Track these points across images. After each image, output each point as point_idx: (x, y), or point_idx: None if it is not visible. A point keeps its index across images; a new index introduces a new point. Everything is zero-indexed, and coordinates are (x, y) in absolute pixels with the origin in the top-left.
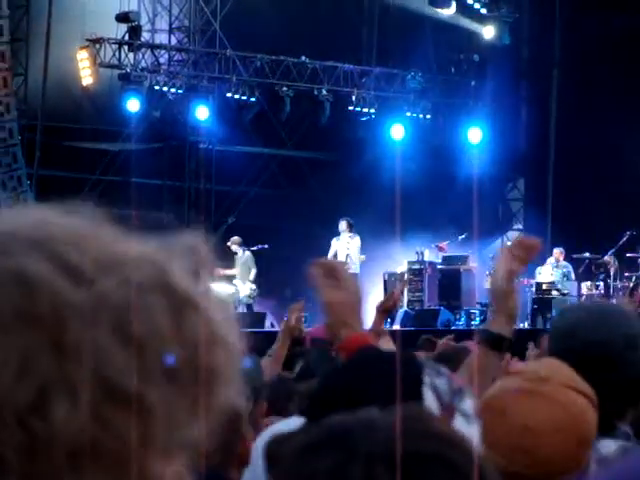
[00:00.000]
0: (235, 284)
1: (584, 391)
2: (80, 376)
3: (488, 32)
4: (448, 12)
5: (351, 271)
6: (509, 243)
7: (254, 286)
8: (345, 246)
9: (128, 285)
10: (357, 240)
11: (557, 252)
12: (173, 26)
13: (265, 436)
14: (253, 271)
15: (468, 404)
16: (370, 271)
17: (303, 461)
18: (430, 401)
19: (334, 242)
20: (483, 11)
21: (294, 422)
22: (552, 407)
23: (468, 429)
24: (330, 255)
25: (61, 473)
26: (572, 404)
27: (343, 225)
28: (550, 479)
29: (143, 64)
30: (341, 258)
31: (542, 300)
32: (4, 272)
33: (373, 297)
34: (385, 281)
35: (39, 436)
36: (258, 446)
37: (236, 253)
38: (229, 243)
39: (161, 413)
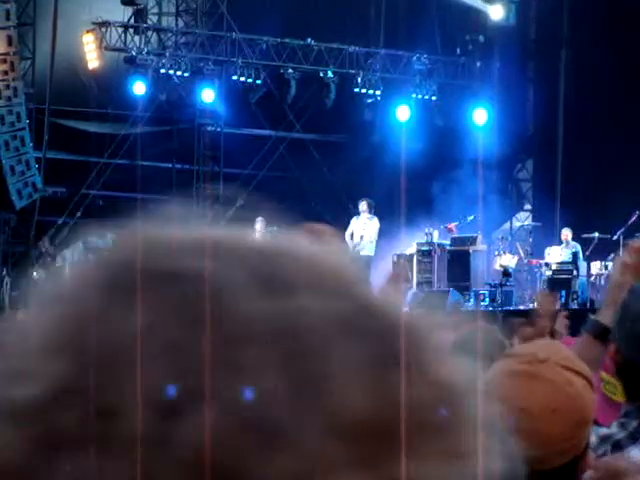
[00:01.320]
0: None
1: (581, 371)
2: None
3: (495, 12)
4: None
5: (364, 253)
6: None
7: None
8: (362, 227)
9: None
10: (375, 222)
11: (565, 232)
12: (180, 9)
13: None
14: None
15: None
16: (378, 253)
17: None
18: None
19: (353, 221)
20: None
21: None
22: (549, 389)
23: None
24: (347, 234)
25: None
26: (569, 385)
27: (363, 206)
28: (549, 460)
29: (149, 47)
30: (356, 239)
31: (552, 280)
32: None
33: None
34: (394, 262)
35: None
36: None
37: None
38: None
39: None
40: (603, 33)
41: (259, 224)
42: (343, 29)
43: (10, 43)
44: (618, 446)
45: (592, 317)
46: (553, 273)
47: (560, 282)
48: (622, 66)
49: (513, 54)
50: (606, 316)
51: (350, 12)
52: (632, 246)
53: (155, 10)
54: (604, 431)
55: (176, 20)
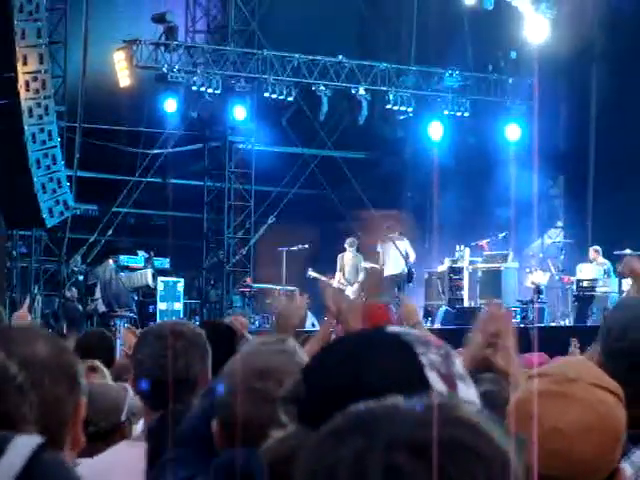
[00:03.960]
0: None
1: (612, 389)
2: None
3: (527, 29)
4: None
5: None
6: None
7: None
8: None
9: None
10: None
11: (592, 251)
12: (210, 26)
13: None
14: (361, 275)
15: (458, 364)
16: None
17: (324, 447)
18: (435, 381)
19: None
20: (522, 8)
21: None
22: (581, 408)
23: (468, 391)
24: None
25: None
26: (601, 403)
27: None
28: (583, 479)
29: (180, 65)
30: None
31: (583, 297)
32: None
33: (415, 296)
34: (426, 280)
35: None
36: None
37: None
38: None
39: None
40: (635, 49)
41: (349, 247)
42: (375, 46)
43: (42, 61)
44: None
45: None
46: (584, 290)
47: (590, 299)
48: None
49: (545, 70)
50: None
51: (382, 29)
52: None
53: (185, 28)
54: None
55: (206, 37)
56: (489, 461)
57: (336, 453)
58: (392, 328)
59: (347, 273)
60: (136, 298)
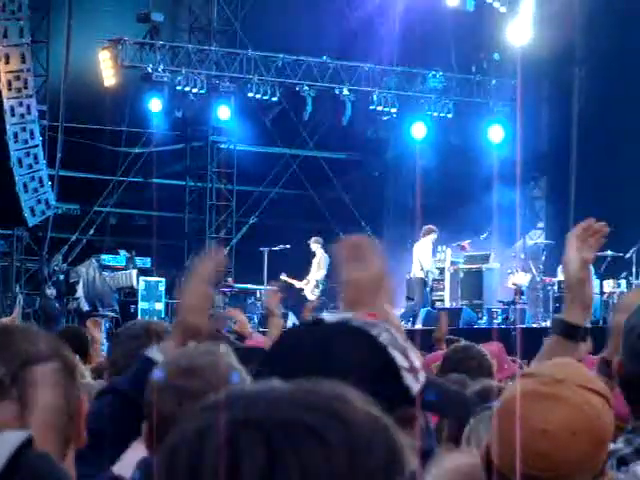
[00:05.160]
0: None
1: (600, 390)
2: None
3: (509, 31)
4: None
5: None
6: (574, 231)
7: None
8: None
9: None
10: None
11: None
12: (194, 26)
13: None
14: (319, 272)
15: (401, 336)
16: (393, 270)
17: (185, 420)
18: (397, 357)
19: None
20: (502, 10)
21: None
22: (569, 409)
23: (416, 357)
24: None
25: None
26: (588, 405)
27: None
28: None
29: (164, 64)
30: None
31: (563, 298)
32: None
33: (396, 296)
34: (407, 280)
35: None
36: None
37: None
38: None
39: None
40: (616, 51)
41: (316, 244)
42: (359, 46)
43: (24, 60)
44: (623, 461)
45: (558, 317)
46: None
47: None
48: (636, 85)
49: (528, 72)
50: (572, 314)
51: (365, 29)
52: (587, 226)
53: (169, 27)
54: (611, 446)
55: (189, 37)
56: (334, 448)
57: (189, 425)
58: (331, 316)
59: (311, 272)
60: (118, 297)
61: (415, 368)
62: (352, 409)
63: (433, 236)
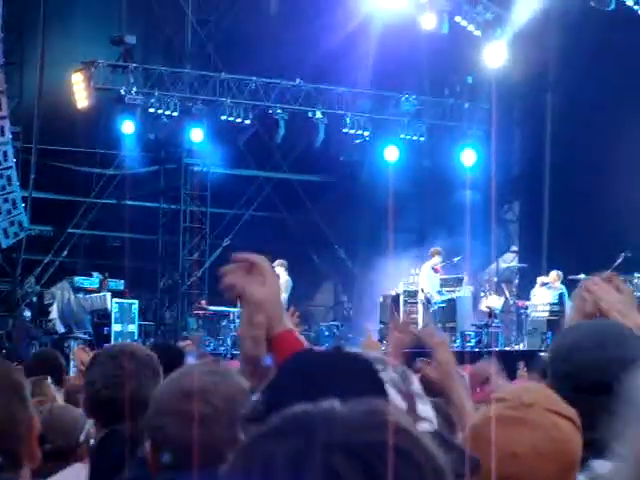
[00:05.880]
0: None
1: (568, 415)
2: None
3: (483, 54)
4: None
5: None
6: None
7: None
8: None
9: None
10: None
11: (554, 274)
12: (167, 48)
13: None
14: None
15: (415, 383)
16: (366, 293)
17: (261, 445)
18: (394, 396)
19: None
20: (477, 33)
21: None
22: (536, 433)
23: (424, 407)
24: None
25: None
26: (556, 428)
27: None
28: None
29: (137, 87)
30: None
31: (537, 321)
32: None
33: (369, 321)
34: (381, 303)
35: None
36: None
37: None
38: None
39: None
40: (590, 76)
41: (280, 267)
42: (332, 70)
43: None
44: None
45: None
46: (539, 314)
47: (546, 323)
48: (608, 109)
49: (501, 95)
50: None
51: (339, 53)
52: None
53: (142, 50)
54: None
55: (162, 59)
56: (421, 467)
57: (275, 450)
58: (350, 349)
59: None
60: (91, 319)
61: (415, 415)
62: (411, 426)
63: (434, 260)
